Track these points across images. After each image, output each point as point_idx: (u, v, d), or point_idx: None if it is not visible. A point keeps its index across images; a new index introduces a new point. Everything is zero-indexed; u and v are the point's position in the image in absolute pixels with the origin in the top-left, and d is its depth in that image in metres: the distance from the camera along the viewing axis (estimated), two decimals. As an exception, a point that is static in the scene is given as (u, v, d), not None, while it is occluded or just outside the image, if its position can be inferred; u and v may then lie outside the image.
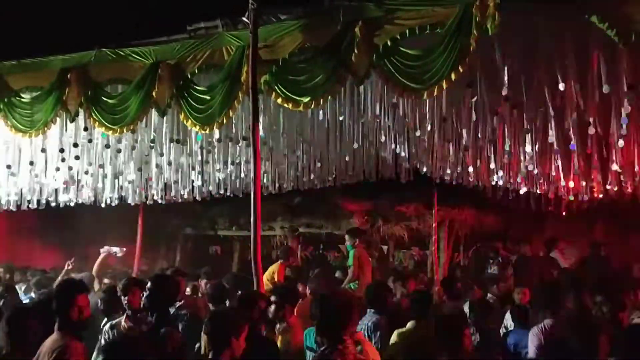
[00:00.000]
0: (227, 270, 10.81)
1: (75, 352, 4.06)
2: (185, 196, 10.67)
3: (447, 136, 8.09)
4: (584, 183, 8.95)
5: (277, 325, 5.47)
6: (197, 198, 10.60)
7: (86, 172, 9.32)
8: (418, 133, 8.00)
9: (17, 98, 7.59)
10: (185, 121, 6.99)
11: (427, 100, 6.54)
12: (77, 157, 8.40)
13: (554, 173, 8.07)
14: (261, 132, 7.20)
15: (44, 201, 10.06)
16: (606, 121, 6.14)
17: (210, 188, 10.33)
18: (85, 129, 7.68)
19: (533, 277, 9.71)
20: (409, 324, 5.53)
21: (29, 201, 10.01)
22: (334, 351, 3.51)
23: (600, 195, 9.33)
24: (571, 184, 8.53)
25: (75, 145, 7.96)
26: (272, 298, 5.49)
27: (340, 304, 3.69)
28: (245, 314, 4.56)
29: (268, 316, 5.39)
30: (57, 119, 7.41)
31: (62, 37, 8.57)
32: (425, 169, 9.89)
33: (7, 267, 10.02)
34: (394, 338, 5.45)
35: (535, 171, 8.15)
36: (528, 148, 7.18)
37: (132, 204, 10.97)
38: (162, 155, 8.75)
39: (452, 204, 12.62)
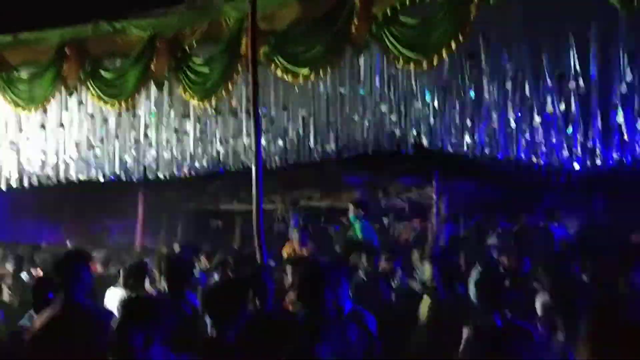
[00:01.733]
0: (228, 245, 10.85)
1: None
2: (186, 171, 10.63)
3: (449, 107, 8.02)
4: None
5: None
6: (197, 173, 10.56)
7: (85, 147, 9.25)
8: (419, 104, 7.95)
9: (16, 73, 7.56)
10: (184, 94, 6.95)
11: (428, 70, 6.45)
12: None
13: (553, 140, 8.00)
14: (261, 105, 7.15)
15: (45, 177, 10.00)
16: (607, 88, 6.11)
17: (210, 162, 10.27)
18: (81, 102, 7.66)
19: (534, 247, 9.72)
20: None
21: (29, 177, 9.97)
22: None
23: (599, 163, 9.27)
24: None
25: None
26: None
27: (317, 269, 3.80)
28: (244, 287, 4.29)
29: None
30: (57, 93, 7.39)
31: (59, 9, 8.47)
32: (425, 141, 9.82)
33: None
34: None
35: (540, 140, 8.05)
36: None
37: (133, 179, 10.94)
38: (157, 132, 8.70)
39: (453, 175, 12.60)
